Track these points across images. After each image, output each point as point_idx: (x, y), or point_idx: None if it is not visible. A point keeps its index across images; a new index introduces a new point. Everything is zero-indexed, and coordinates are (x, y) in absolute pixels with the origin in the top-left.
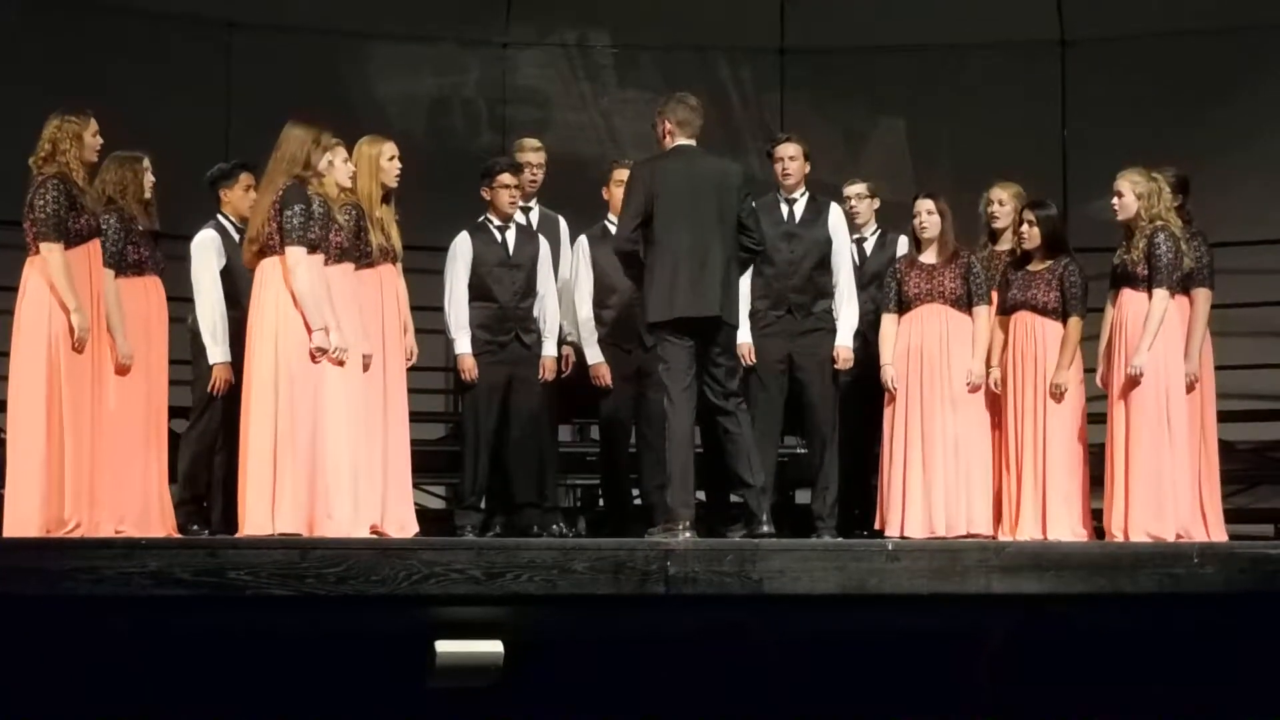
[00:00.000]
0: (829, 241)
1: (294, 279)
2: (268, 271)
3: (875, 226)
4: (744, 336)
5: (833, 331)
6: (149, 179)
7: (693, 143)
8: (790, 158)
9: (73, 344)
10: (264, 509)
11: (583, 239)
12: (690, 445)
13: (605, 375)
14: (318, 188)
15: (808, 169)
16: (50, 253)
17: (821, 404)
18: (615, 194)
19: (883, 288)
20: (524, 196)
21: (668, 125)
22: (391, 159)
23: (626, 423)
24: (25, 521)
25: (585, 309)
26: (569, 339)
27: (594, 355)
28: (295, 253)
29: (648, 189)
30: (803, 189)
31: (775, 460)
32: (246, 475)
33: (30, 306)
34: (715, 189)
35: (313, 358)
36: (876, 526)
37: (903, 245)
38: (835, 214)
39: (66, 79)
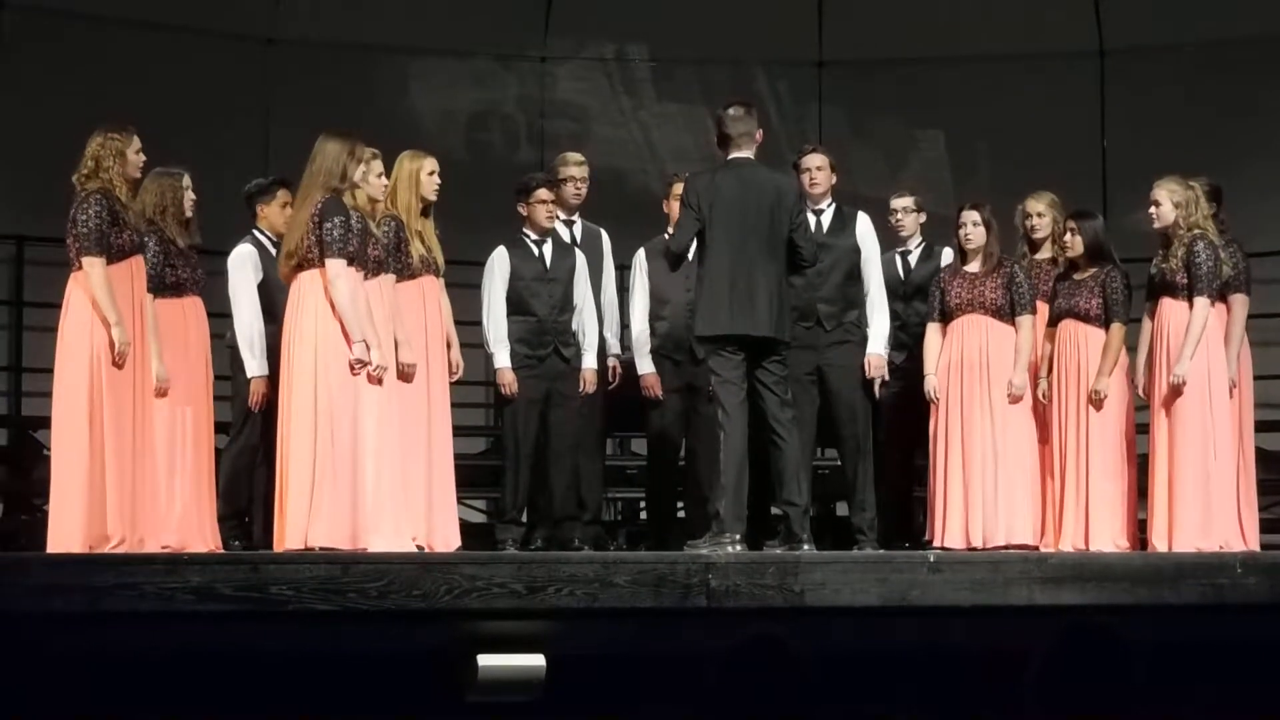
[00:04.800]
0: (857, 251)
1: (335, 291)
2: (305, 285)
3: (920, 239)
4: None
5: (862, 343)
6: (189, 197)
7: (748, 154)
8: (816, 168)
9: (113, 359)
10: (303, 524)
11: (641, 252)
12: (745, 459)
13: (656, 386)
14: (352, 201)
15: (834, 180)
16: (92, 267)
17: (851, 416)
18: (674, 208)
19: (928, 299)
20: (568, 210)
21: (721, 137)
22: (431, 174)
23: (676, 436)
24: (68, 538)
25: (640, 321)
26: (613, 351)
27: (645, 366)
28: (336, 265)
29: (701, 203)
30: (830, 199)
31: (811, 473)
32: (287, 490)
33: (72, 322)
34: (769, 203)
35: (352, 369)
36: (925, 538)
37: (947, 257)
38: (864, 224)
39: (106, 96)
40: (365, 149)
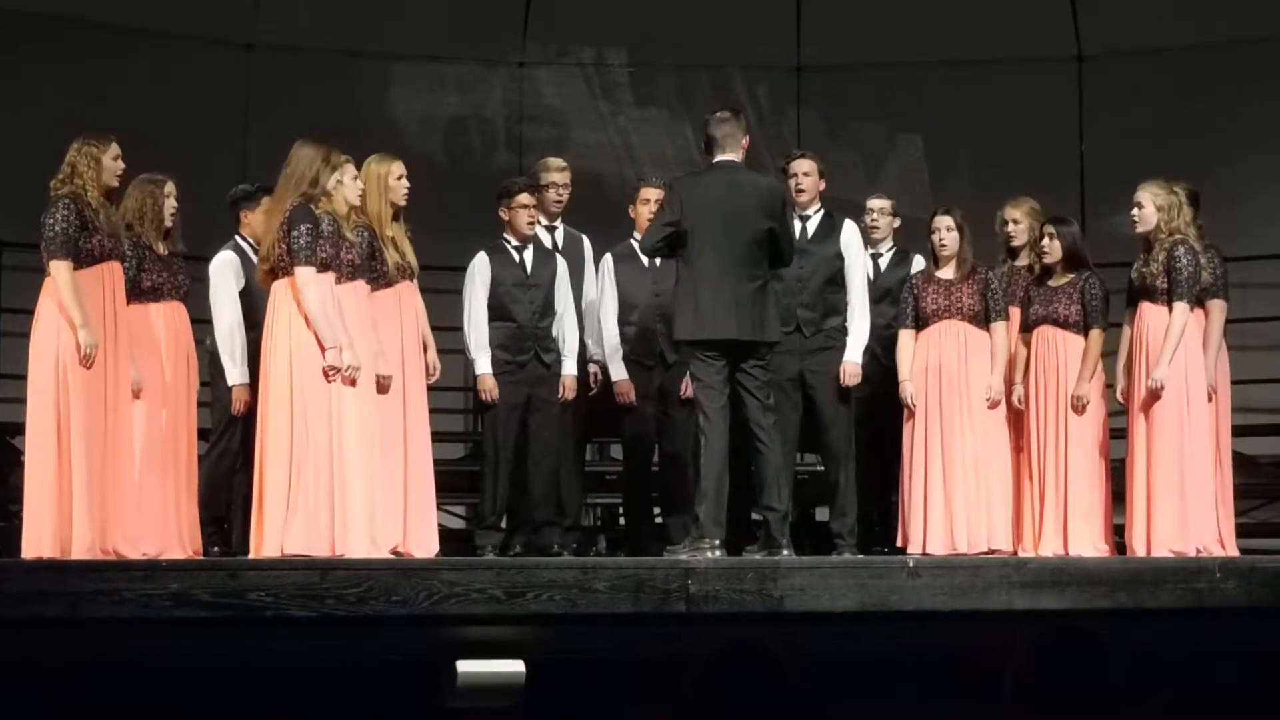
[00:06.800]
0: (840, 258)
1: (304, 298)
2: (280, 292)
3: (892, 243)
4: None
5: (843, 349)
6: (170, 205)
7: (733, 157)
8: (804, 173)
9: (80, 360)
10: (280, 531)
11: (608, 257)
12: (725, 463)
13: (630, 393)
14: (326, 206)
15: (822, 185)
16: (57, 270)
17: (834, 422)
18: (641, 212)
19: (897, 304)
20: (549, 216)
21: (706, 141)
22: (400, 178)
23: (649, 441)
24: (40, 543)
25: (611, 327)
26: (594, 357)
27: (619, 372)
28: (304, 272)
29: (680, 205)
30: (817, 205)
31: (792, 478)
32: (263, 497)
33: (41, 327)
34: (752, 207)
35: (326, 376)
36: (898, 544)
37: (918, 264)
38: (849, 230)
39: (86, 101)
40: (339, 155)
